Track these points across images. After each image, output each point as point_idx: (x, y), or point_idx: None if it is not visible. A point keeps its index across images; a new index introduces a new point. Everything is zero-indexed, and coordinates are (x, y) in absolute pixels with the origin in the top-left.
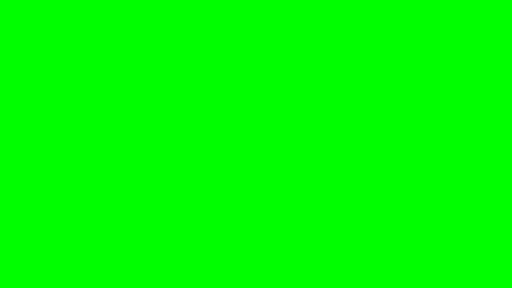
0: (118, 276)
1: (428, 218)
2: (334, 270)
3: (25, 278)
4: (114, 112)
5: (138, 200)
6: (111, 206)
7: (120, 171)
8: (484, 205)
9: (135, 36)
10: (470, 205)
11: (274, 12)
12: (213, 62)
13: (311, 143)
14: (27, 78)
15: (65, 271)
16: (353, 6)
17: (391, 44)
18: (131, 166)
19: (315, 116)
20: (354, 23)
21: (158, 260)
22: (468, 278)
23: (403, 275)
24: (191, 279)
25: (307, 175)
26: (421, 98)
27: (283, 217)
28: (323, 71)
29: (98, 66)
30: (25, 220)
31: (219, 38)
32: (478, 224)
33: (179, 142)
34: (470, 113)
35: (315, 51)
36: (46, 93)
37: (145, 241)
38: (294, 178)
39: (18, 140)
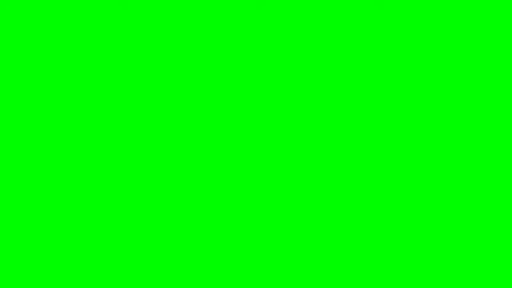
0: (118, 276)
1: (428, 218)
2: (334, 270)
3: (25, 278)
4: (114, 112)
5: (138, 200)
6: (111, 206)
7: (120, 171)
8: (484, 205)
9: (135, 36)
10: (470, 205)
11: (274, 12)
12: (213, 62)
13: (311, 143)
14: (27, 78)
15: (65, 271)
16: (353, 6)
17: (391, 44)
18: (131, 166)
19: (315, 116)
20: (354, 23)
21: (158, 260)
22: (468, 278)
23: (403, 275)
24: (191, 279)
25: (307, 175)
26: (421, 98)
27: (282, 217)
28: (323, 71)
29: (98, 66)
30: (25, 220)
31: (219, 38)
32: (478, 224)
33: (179, 142)
34: (470, 113)
35: (315, 51)
36: (46, 93)
37: (145, 241)
38: (294, 178)
39: (18, 140)
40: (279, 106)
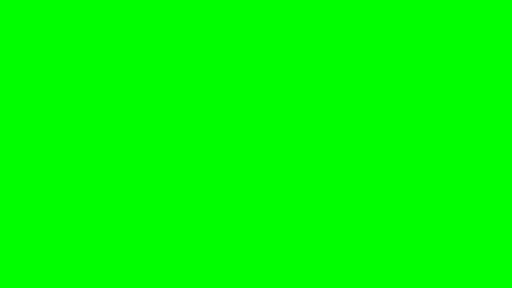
0: (118, 276)
1: (428, 218)
2: (334, 270)
3: (25, 278)
4: (114, 112)
5: (138, 200)
6: (111, 206)
7: (120, 171)
8: (484, 205)
9: (135, 36)
10: (470, 205)
11: (274, 12)
12: (213, 62)
13: (311, 143)
14: (27, 78)
15: (65, 271)
16: (353, 6)
17: (391, 44)
18: (131, 166)
19: (315, 116)
20: (354, 23)
21: (158, 260)
22: (468, 278)
23: (403, 275)
24: (191, 279)
25: (307, 175)
26: (421, 98)
27: (282, 217)
28: (323, 71)
29: (98, 66)
30: (25, 220)
31: (219, 38)
32: (478, 224)
33: (179, 142)
34: (470, 113)
35: (315, 51)
36: (46, 93)
37: (145, 241)
38: (294, 178)
39: (18, 140)
40: (279, 106)
